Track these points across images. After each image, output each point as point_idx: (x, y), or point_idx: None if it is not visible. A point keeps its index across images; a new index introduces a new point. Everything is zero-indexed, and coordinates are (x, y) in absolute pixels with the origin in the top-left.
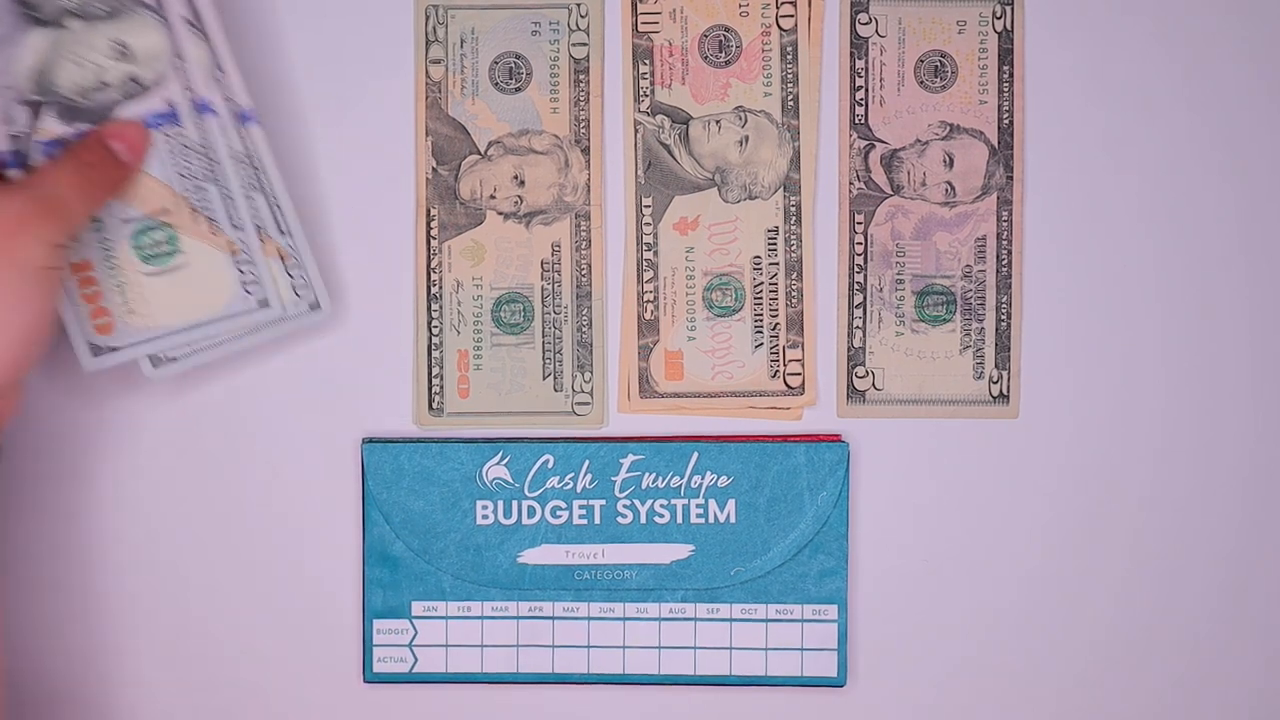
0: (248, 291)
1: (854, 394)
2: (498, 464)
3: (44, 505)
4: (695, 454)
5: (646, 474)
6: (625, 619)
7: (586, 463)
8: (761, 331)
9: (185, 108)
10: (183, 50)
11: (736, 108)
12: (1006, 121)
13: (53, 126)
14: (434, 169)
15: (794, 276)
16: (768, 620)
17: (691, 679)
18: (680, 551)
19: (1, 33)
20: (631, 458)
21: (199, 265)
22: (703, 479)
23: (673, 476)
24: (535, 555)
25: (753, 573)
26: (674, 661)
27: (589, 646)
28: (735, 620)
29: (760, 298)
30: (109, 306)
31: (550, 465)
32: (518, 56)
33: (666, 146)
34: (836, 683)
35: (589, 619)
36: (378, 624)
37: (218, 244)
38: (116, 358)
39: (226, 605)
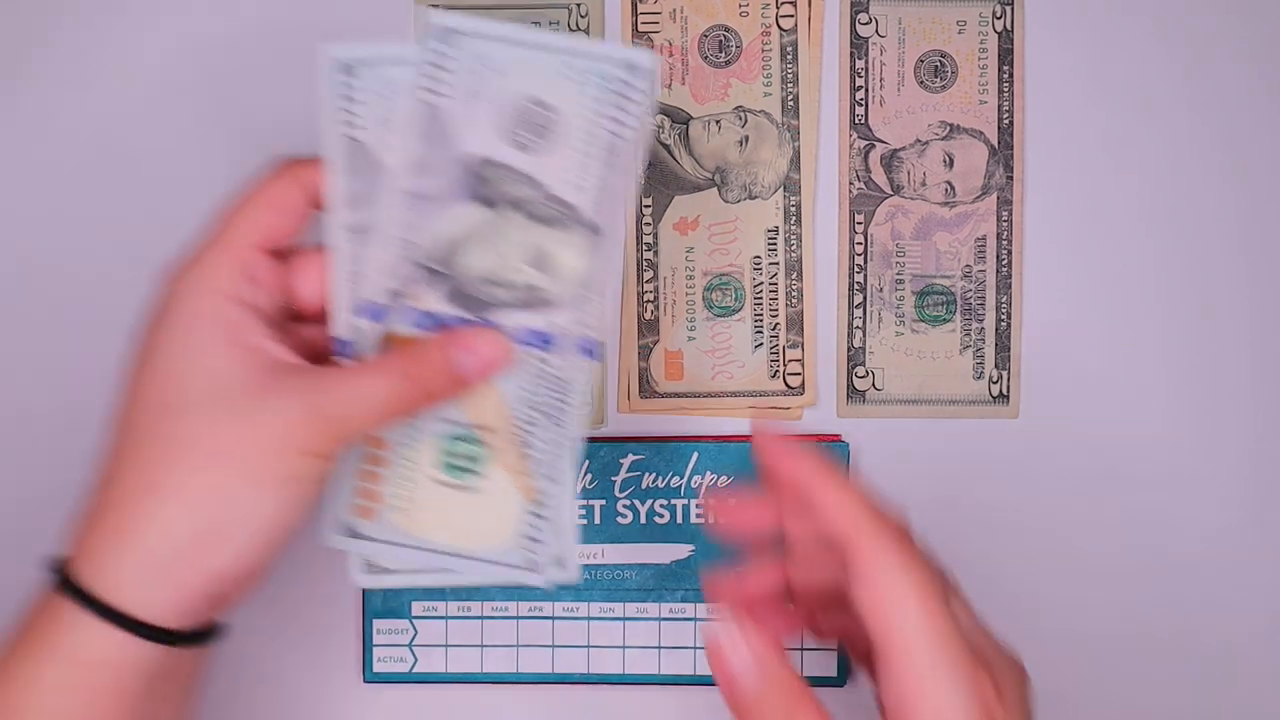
0: (522, 548)
1: (854, 394)
2: None
3: None
4: (695, 454)
5: (646, 474)
6: (625, 619)
7: (586, 463)
8: (761, 331)
9: (568, 341)
10: (596, 284)
11: (736, 108)
12: (1006, 121)
13: (432, 300)
14: None
15: (794, 276)
16: None
17: (690, 679)
18: (680, 551)
19: (439, 189)
20: (631, 457)
21: (491, 497)
22: (702, 479)
23: (672, 476)
24: None
25: None
26: (673, 662)
27: (589, 646)
28: None
29: (760, 298)
30: (381, 493)
31: None
32: None
33: (666, 146)
34: (837, 682)
35: (589, 619)
36: (378, 624)
37: (521, 485)
38: (359, 545)
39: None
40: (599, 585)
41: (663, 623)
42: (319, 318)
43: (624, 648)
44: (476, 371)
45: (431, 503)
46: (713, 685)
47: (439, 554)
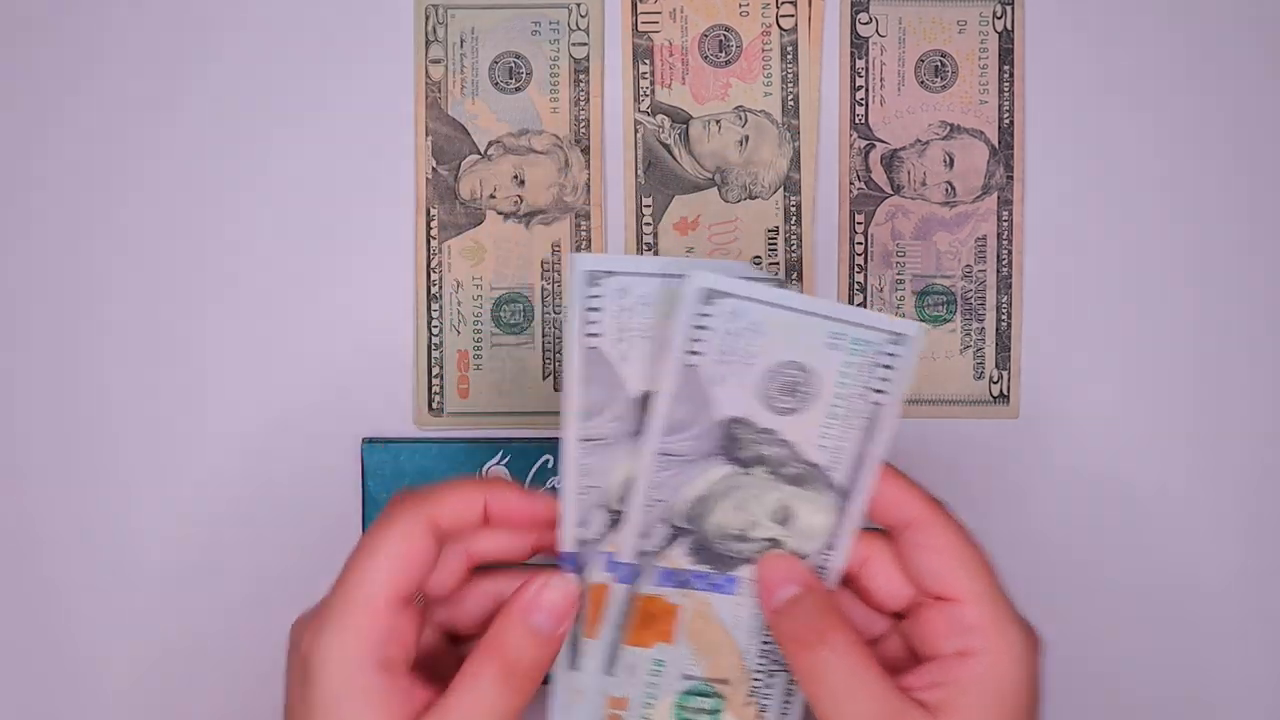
0: None
1: None
2: (498, 464)
3: None
4: None
5: None
6: None
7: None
8: None
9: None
10: (838, 543)
11: (736, 108)
12: (1006, 121)
13: (677, 556)
14: (434, 169)
15: (794, 277)
16: None
17: None
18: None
19: (696, 450)
20: None
21: None
22: None
23: None
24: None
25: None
26: None
27: None
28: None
29: None
30: None
31: (550, 465)
32: (517, 56)
33: (666, 146)
34: None
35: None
36: None
37: None
38: None
39: (226, 607)
40: None
41: None
42: (474, 630)
43: None
44: (556, 622)
45: None
46: None
47: None
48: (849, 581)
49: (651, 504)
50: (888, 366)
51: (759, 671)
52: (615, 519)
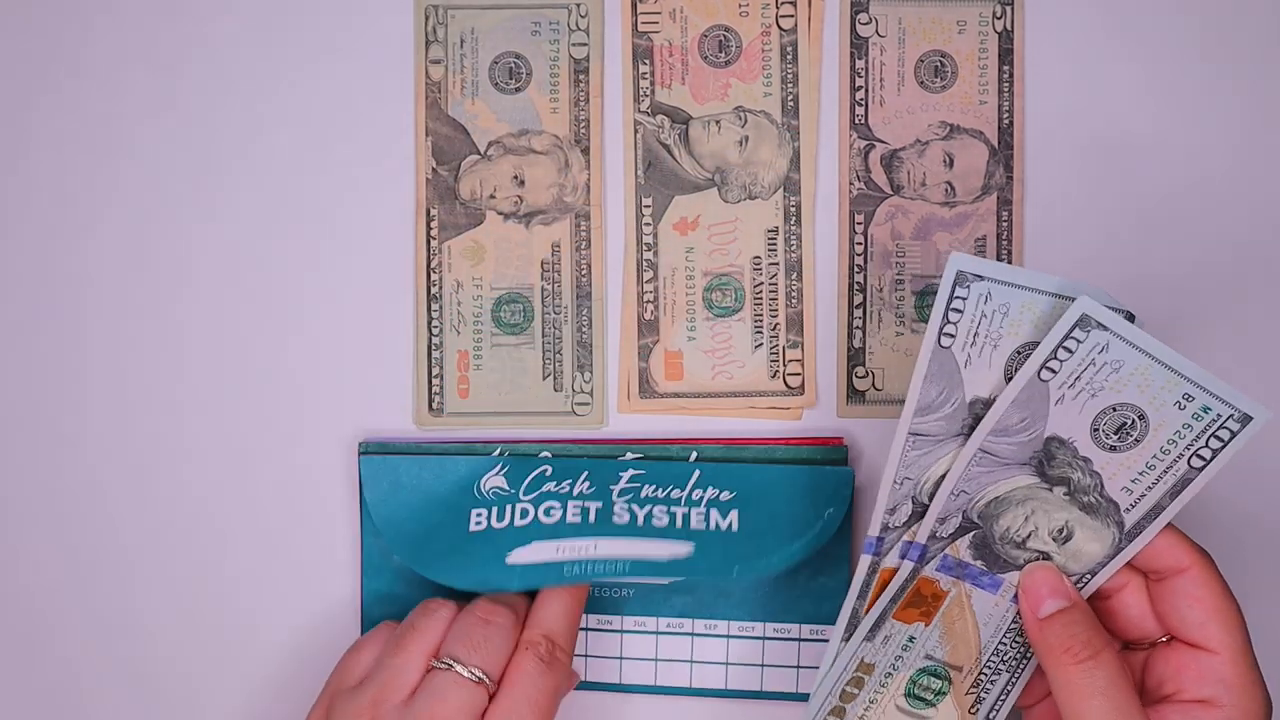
0: None
1: (854, 394)
2: (496, 475)
3: None
4: (696, 472)
5: (646, 485)
6: (623, 631)
7: (585, 473)
8: (761, 332)
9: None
10: (1101, 572)
11: (736, 108)
12: (1006, 121)
13: (961, 549)
14: (434, 169)
15: (794, 276)
16: (765, 638)
17: (687, 690)
18: (679, 550)
19: (1010, 455)
20: (631, 471)
21: None
22: (704, 492)
23: (672, 489)
24: (525, 554)
25: (753, 572)
26: (670, 674)
27: (586, 656)
28: (732, 637)
29: (760, 298)
30: (849, 710)
31: (548, 474)
32: (518, 56)
33: (666, 146)
34: None
35: (586, 630)
36: None
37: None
38: None
39: (225, 608)
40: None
41: (660, 636)
42: None
43: (620, 659)
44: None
45: None
46: (709, 697)
47: None
48: (1095, 600)
49: (957, 494)
50: (1220, 439)
51: (988, 668)
52: (921, 511)
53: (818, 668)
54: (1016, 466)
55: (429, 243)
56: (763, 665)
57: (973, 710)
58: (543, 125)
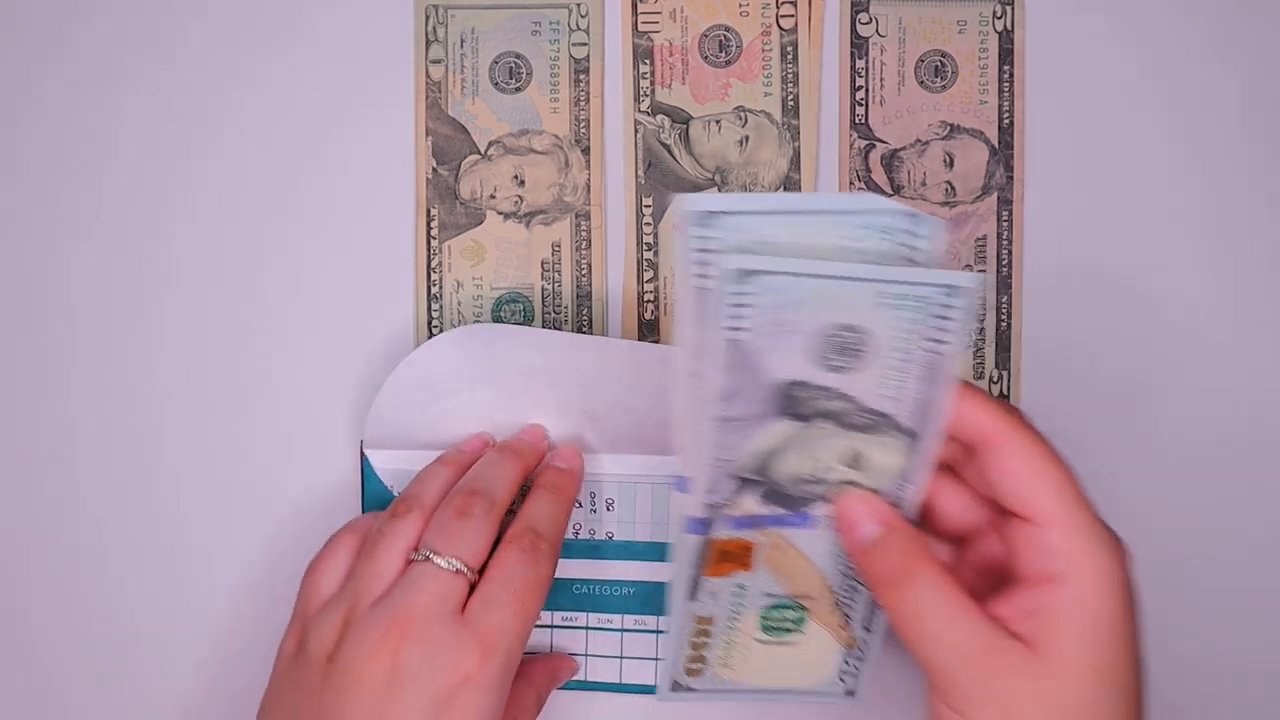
0: (840, 680)
1: None
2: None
3: None
4: None
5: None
6: (623, 630)
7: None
8: None
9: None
10: (914, 477)
11: (736, 108)
12: (1006, 121)
13: (750, 505)
14: (434, 169)
15: None
16: None
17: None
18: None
19: (747, 416)
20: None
21: (811, 647)
22: None
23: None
24: None
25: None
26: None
27: (586, 655)
28: None
29: None
30: (708, 656)
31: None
32: (518, 56)
33: (666, 146)
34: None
35: (586, 629)
36: None
37: (840, 637)
38: (688, 696)
39: (225, 609)
40: (595, 598)
41: (660, 635)
42: None
43: (621, 658)
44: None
45: (754, 657)
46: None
47: (755, 691)
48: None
49: (717, 463)
50: (944, 318)
51: (843, 589)
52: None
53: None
54: (764, 420)
55: (429, 243)
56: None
57: (844, 627)
58: (543, 125)
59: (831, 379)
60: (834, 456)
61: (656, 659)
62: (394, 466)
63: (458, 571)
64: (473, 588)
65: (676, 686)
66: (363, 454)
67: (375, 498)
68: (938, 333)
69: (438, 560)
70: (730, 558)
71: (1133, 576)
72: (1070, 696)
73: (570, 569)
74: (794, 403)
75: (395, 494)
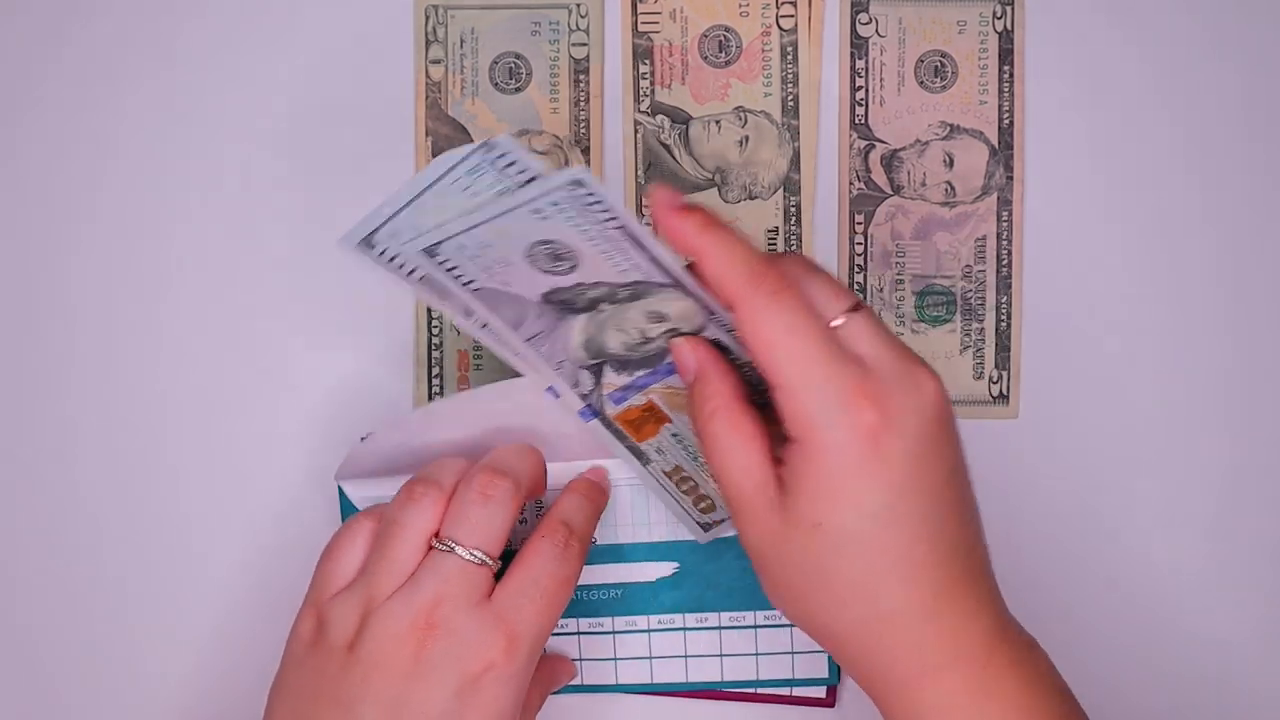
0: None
1: None
2: None
3: None
4: None
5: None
6: (615, 633)
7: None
8: None
9: (729, 339)
10: (712, 304)
11: (736, 108)
12: (1006, 121)
13: (613, 379)
14: None
15: None
16: (757, 626)
17: (683, 685)
18: (664, 569)
19: (545, 327)
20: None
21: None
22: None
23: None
24: None
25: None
26: (665, 670)
27: (580, 660)
28: (724, 628)
29: None
30: (705, 491)
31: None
32: (518, 56)
33: (666, 146)
34: (829, 682)
35: (578, 634)
36: None
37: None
38: (722, 529)
39: (224, 609)
40: (582, 603)
41: (652, 634)
42: None
43: (615, 660)
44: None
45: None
46: (706, 691)
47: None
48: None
49: (559, 366)
50: (588, 205)
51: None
52: (598, 367)
53: (812, 651)
54: (563, 320)
55: None
56: (756, 654)
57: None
58: (543, 125)
59: (572, 278)
60: (640, 319)
61: (650, 657)
62: (373, 494)
63: (481, 563)
64: (495, 575)
65: (707, 527)
66: (339, 489)
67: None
68: (596, 210)
69: (461, 552)
70: (645, 420)
71: (886, 440)
72: (796, 544)
73: None
74: (567, 304)
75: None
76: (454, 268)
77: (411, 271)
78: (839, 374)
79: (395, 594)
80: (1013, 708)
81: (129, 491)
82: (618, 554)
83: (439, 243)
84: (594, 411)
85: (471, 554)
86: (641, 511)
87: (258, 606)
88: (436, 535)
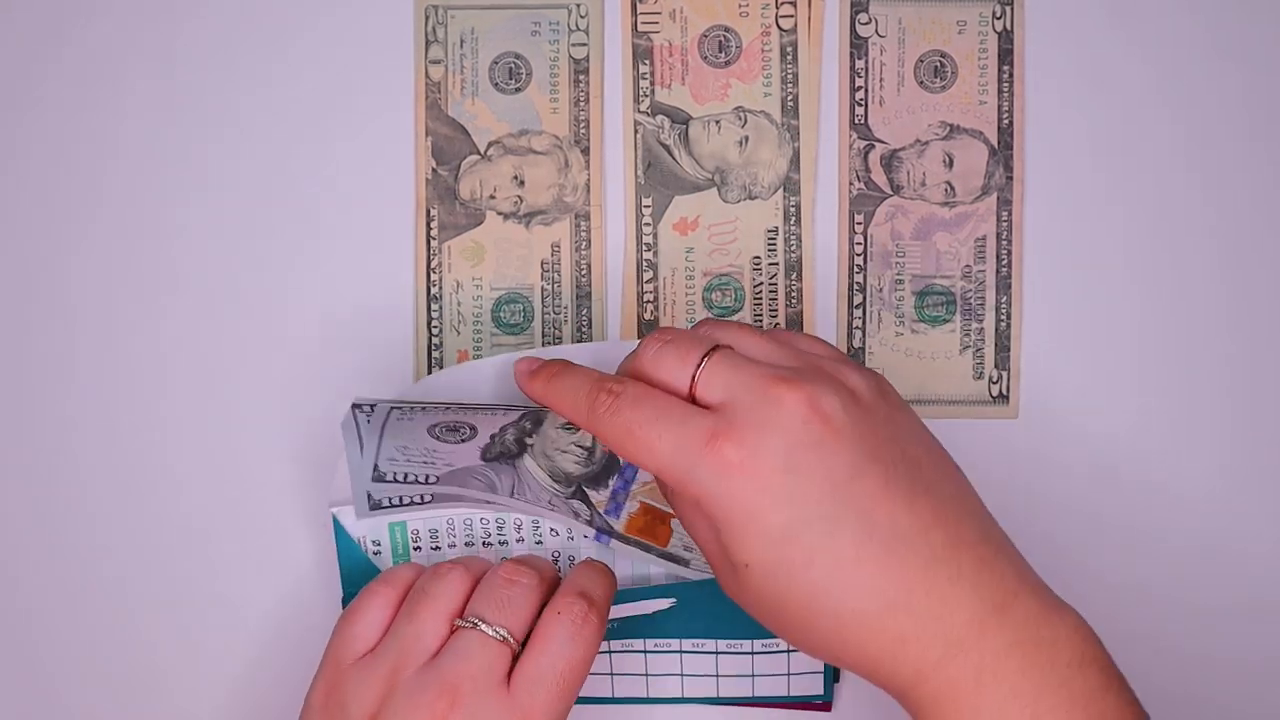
0: None
1: None
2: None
3: None
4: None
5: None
6: (610, 653)
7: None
8: None
9: None
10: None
11: (736, 108)
12: (1006, 121)
13: (599, 497)
14: (434, 169)
15: (794, 277)
16: (754, 653)
17: (678, 699)
18: (662, 604)
19: (512, 479)
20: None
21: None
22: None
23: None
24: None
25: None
26: (661, 686)
27: (611, 674)
28: (721, 653)
29: (760, 298)
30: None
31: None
32: (517, 56)
33: (666, 147)
34: (824, 697)
35: (610, 652)
36: None
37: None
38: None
39: (224, 608)
40: None
41: (649, 655)
42: None
43: (611, 674)
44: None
45: None
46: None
47: None
48: None
49: (550, 505)
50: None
51: None
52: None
53: (809, 672)
54: (522, 464)
55: (429, 243)
56: (753, 675)
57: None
58: (543, 125)
59: (481, 436)
60: (561, 436)
61: (646, 674)
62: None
63: (504, 640)
64: (515, 656)
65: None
66: (334, 518)
67: (349, 558)
68: (425, 412)
69: (485, 629)
70: (652, 524)
71: (755, 468)
72: (750, 585)
73: None
74: (505, 454)
75: (368, 553)
76: (406, 475)
77: (418, 499)
78: (689, 433)
79: (418, 671)
80: (1011, 695)
81: (129, 491)
82: (617, 596)
83: (377, 468)
84: (605, 533)
85: (495, 631)
86: (642, 566)
87: (258, 605)
88: (461, 614)
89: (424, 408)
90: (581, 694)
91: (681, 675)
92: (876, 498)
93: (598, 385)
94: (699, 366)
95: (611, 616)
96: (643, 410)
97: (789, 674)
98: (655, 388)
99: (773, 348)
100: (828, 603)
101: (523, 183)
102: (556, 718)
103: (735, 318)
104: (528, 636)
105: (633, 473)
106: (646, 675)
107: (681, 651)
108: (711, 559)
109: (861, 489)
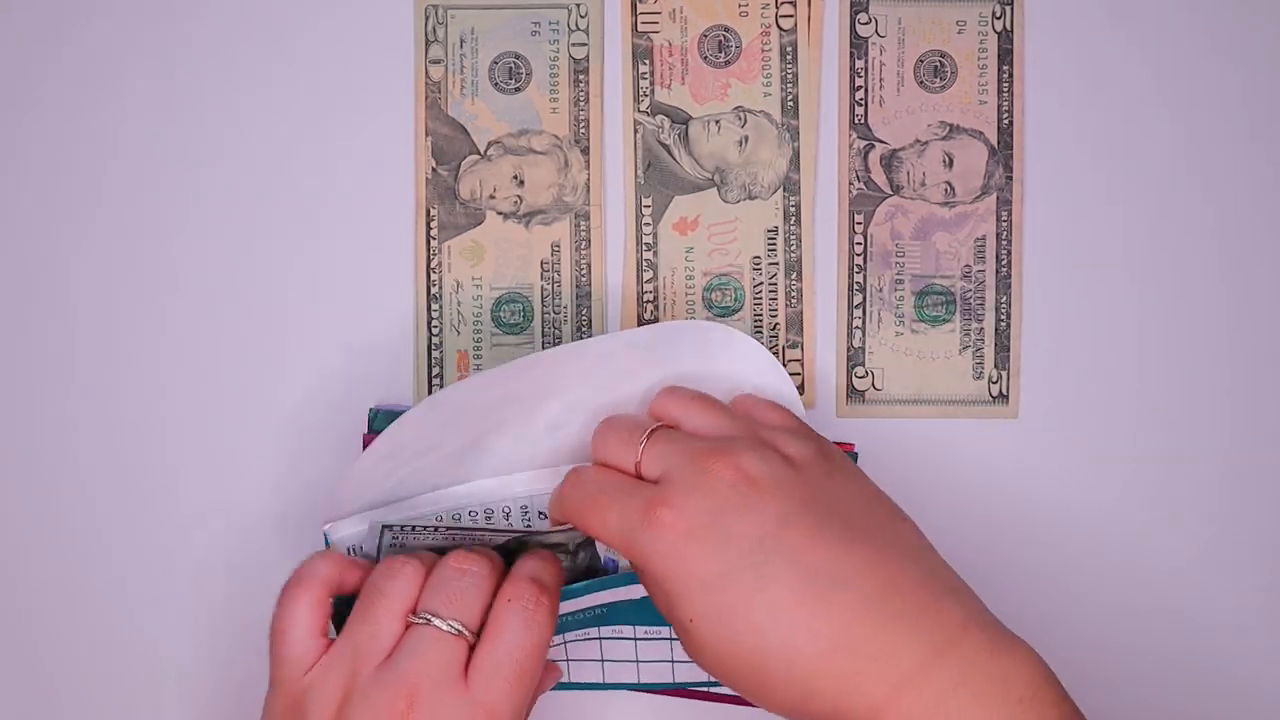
0: None
1: (853, 394)
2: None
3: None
4: None
5: None
6: (601, 639)
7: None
8: (761, 331)
9: None
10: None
11: (736, 108)
12: (1006, 121)
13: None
14: (434, 169)
15: (793, 276)
16: None
17: (671, 685)
18: (637, 592)
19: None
20: None
21: None
22: None
23: None
24: None
25: None
26: (654, 672)
27: (567, 660)
28: (676, 639)
29: (760, 298)
30: None
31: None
32: (517, 56)
33: (666, 146)
34: None
35: (565, 642)
36: None
37: None
38: None
39: (225, 608)
40: (572, 622)
41: (639, 642)
42: None
43: (602, 661)
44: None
45: None
46: (695, 689)
47: None
48: None
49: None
50: None
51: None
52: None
53: None
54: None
55: (429, 243)
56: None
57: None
58: (543, 125)
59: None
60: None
61: (637, 660)
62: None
63: (459, 634)
64: (471, 647)
65: None
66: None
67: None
68: (414, 532)
69: (439, 624)
70: None
71: (684, 526)
72: (705, 644)
73: None
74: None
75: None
76: (412, 525)
77: (429, 526)
78: (632, 504)
79: (375, 671)
80: None
81: (129, 491)
82: (601, 582)
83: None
84: (613, 563)
85: (449, 625)
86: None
87: (258, 605)
88: (414, 610)
89: (413, 527)
90: (575, 680)
91: (673, 662)
92: (805, 545)
93: (568, 475)
94: (641, 445)
95: (600, 603)
96: (593, 488)
97: None
98: (609, 469)
99: (719, 420)
100: (774, 643)
101: (522, 182)
102: (516, 705)
103: (735, 317)
104: (482, 625)
105: (614, 565)
106: (638, 662)
107: (672, 639)
108: (674, 626)
109: (790, 537)
